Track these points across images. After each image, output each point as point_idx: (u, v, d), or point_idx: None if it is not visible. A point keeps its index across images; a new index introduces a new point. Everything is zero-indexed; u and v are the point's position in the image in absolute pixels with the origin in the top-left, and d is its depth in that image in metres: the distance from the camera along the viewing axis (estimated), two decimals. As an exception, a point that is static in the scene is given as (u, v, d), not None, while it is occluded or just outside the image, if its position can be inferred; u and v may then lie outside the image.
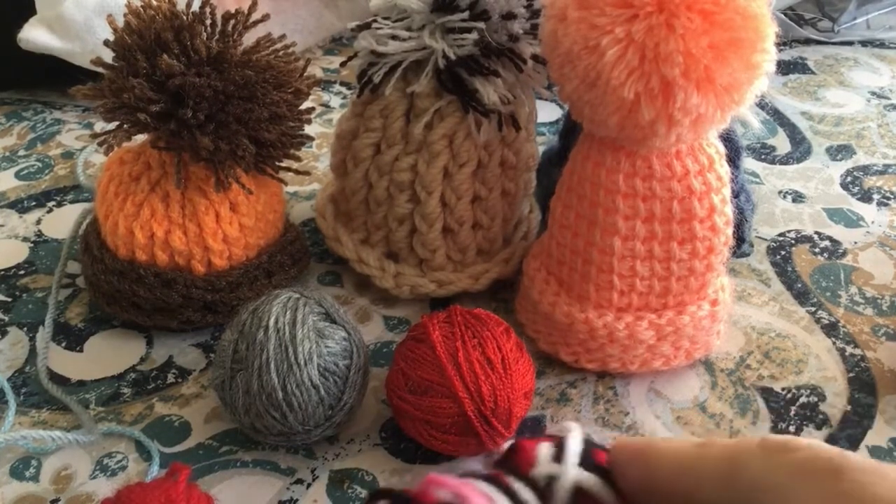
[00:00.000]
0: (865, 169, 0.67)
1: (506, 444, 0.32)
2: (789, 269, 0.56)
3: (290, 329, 0.40)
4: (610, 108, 0.39)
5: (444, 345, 0.40)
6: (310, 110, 0.48)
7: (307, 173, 0.52)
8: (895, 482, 0.24)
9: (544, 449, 0.29)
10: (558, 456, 0.28)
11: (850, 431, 0.45)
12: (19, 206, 0.61)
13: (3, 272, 0.54)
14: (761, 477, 0.26)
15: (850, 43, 0.87)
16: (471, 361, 0.40)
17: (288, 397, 0.39)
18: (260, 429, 0.40)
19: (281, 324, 0.40)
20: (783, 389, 0.47)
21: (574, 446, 0.29)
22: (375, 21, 0.47)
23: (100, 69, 0.45)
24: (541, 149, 0.55)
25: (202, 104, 0.43)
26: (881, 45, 0.87)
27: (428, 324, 0.41)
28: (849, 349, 0.50)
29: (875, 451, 0.44)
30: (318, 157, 0.66)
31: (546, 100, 0.71)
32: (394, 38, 0.47)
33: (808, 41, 0.87)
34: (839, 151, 0.69)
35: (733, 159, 0.48)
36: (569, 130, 0.54)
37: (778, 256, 0.57)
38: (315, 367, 0.39)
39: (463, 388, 0.39)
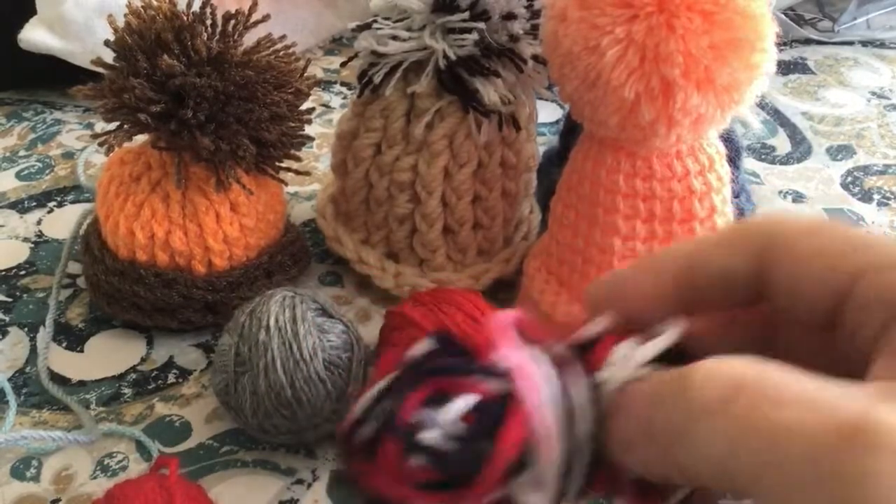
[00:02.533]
0: (866, 169, 0.67)
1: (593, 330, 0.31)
2: (789, 269, 0.56)
3: (291, 326, 0.40)
4: (610, 108, 0.39)
5: (429, 318, 0.40)
6: (310, 110, 0.48)
7: (307, 173, 0.52)
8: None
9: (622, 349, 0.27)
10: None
11: (850, 431, 0.45)
12: (20, 206, 0.61)
13: (3, 272, 0.54)
14: None
15: (850, 43, 0.87)
16: (458, 324, 0.40)
17: (297, 394, 0.39)
18: (268, 429, 0.40)
19: (282, 322, 0.40)
20: (783, 389, 0.47)
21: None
22: (376, 21, 0.47)
23: (100, 69, 0.45)
24: (541, 149, 0.55)
25: (203, 104, 0.43)
26: (881, 45, 0.87)
27: (404, 310, 0.42)
28: (849, 349, 0.50)
29: (875, 451, 0.44)
30: (318, 157, 0.66)
31: (546, 100, 0.71)
32: (394, 38, 0.47)
33: (808, 41, 0.87)
34: (839, 151, 0.69)
35: (733, 159, 0.48)
36: (569, 130, 0.54)
37: (778, 256, 0.57)
38: (320, 361, 0.40)
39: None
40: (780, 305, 0.28)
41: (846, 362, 0.26)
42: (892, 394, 0.22)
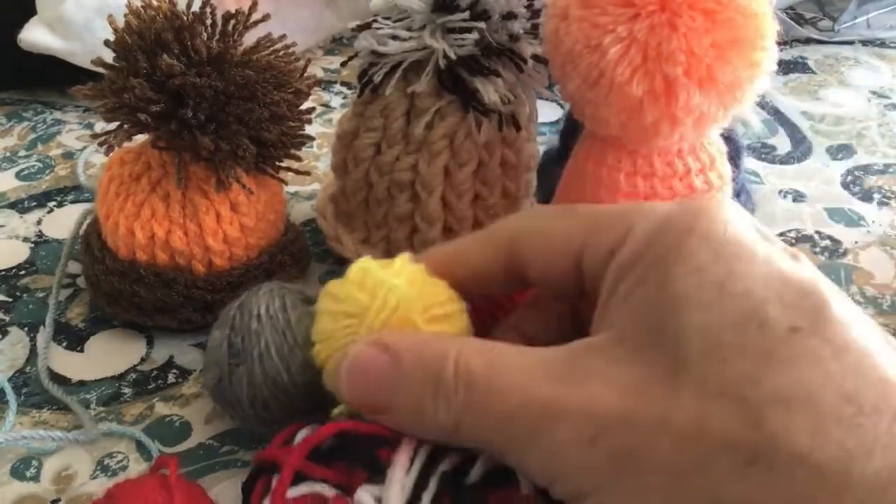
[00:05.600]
0: (866, 168, 0.67)
1: None
2: (790, 268, 0.56)
3: (282, 315, 0.40)
4: (613, 107, 0.39)
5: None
6: (310, 110, 0.48)
7: (308, 173, 0.52)
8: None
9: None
10: None
11: (851, 431, 0.45)
12: (20, 206, 0.61)
13: (3, 272, 0.54)
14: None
15: (850, 42, 0.87)
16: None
17: (293, 378, 0.39)
18: (267, 419, 0.40)
19: (272, 311, 0.40)
20: (784, 389, 0.47)
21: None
22: (376, 21, 0.47)
23: (100, 69, 0.45)
24: (541, 149, 0.55)
25: (202, 104, 0.43)
26: (882, 44, 0.87)
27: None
28: (850, 349, 0.50)
29: (876, 451, 0.44)
30: (318, 157, 0.66)
31: (546, 100, 0.71)
32: (394, 38, 0.47)
33: (808, 40, 0.87)
34: (839, 151, 0.69)
35: (734, 159, 0.48)
36: (569, 130, 0.54)
37: (778, 256, 0.57)
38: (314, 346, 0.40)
39: None
40: (540, 287, 0.33)
41: None
42: (570, 368, 0.27)
